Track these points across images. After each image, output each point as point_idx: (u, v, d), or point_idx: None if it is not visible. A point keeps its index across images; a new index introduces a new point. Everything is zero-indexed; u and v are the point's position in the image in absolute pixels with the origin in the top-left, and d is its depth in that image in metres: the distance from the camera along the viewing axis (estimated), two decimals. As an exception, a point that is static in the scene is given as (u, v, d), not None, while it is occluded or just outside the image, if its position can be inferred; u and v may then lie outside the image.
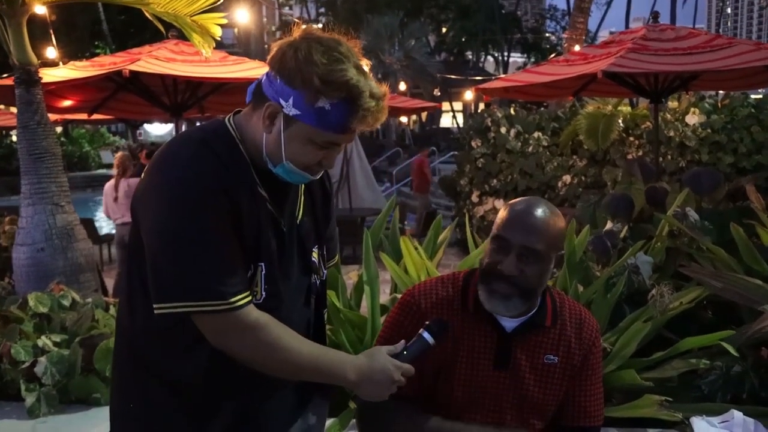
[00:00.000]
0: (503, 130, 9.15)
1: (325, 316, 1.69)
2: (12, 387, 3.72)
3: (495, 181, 9.23)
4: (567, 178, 8.70)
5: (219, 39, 4.90)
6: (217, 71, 5.88)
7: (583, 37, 14.73)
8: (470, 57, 38.54)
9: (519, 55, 40.62)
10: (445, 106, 32.67)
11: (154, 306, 1.36)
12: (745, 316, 3.46)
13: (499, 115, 9.39)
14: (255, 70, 5.96)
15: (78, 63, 6.75)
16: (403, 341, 1.57)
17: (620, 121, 8.09)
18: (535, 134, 9.02)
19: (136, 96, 6.47)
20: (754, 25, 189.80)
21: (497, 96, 9.29)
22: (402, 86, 25.40)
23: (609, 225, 4.53)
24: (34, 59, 4.78)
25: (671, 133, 7.85)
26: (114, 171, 7.36)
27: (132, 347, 1.50)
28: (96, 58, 7.08)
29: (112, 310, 4.23)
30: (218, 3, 4.71)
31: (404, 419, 1.66)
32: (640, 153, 8.06)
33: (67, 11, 19.91)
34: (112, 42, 24.26)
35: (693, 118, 7.79)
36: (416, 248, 3.76)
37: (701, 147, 7.68)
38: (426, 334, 1.56)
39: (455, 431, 1.65)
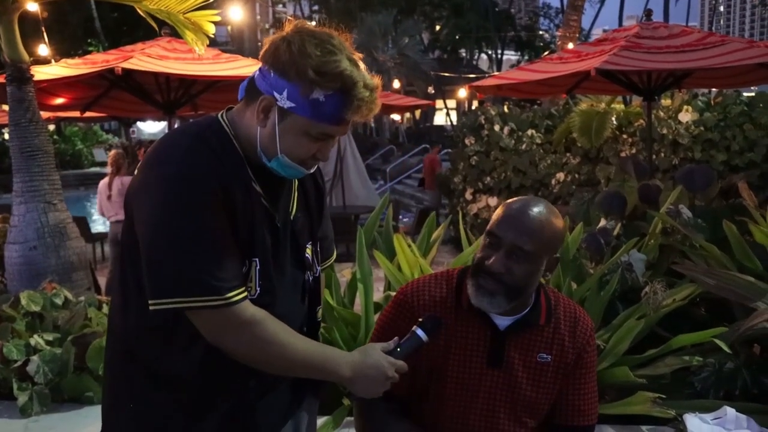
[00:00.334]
0: (497, 127, 9.14)
1: (320, 313, 1.69)
2: (4, 386, 3.71)
3: (488, 178, 9.23)
4: (560, 175, 8.70)
5: (212, 36, 4.89)
6: (210, 69, 5.84)
7: (577, 35, 14.77)
8: (464, 55, 38.63)
9: (513, 52, 40.76)
10: (439, 103, 32.73)
11: (150, 302, 1.35)
12: (738, 313, 3.47)
13: (493, 112, 9.37)
14: (248, 67, 5.93)
15: (70, 60, 6.72)
16: (396, 338, 1.57)
17: (613, 118, 8.08)
18: (529, 132, 9.02)
19: (129, 94, 6.42)
20: (747, 23, 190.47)
21: (491, 94, 9.26)
22: (396, 84, 25.40)
23: (602, 222, 4.55)
24: (25, 56, 4.76)
25: (664, 131, 7.85)
26: (108, 169, 7.32)
27: (125, 345, 1.49)
28: (88, 56, 7.02)
29: (105, 309, 4.21)
30: (211, 0, 4.69)
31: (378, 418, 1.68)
32: (634, 150, 8.07)
33: (59, 8, 19.87)
34: (104, 39, 24.18)
35: (686, 116, 7.80)
36: (410, 246, 3.76)
37: (694, 144, 7.69)
38: (419, 331, 1.56)
39: None
